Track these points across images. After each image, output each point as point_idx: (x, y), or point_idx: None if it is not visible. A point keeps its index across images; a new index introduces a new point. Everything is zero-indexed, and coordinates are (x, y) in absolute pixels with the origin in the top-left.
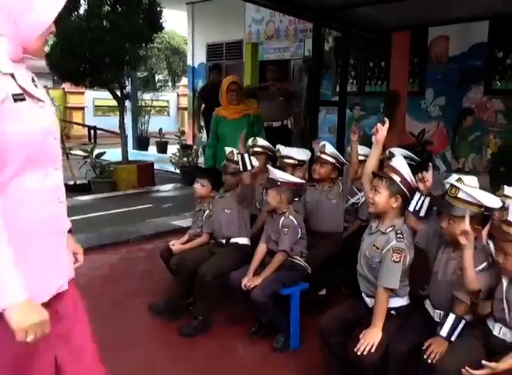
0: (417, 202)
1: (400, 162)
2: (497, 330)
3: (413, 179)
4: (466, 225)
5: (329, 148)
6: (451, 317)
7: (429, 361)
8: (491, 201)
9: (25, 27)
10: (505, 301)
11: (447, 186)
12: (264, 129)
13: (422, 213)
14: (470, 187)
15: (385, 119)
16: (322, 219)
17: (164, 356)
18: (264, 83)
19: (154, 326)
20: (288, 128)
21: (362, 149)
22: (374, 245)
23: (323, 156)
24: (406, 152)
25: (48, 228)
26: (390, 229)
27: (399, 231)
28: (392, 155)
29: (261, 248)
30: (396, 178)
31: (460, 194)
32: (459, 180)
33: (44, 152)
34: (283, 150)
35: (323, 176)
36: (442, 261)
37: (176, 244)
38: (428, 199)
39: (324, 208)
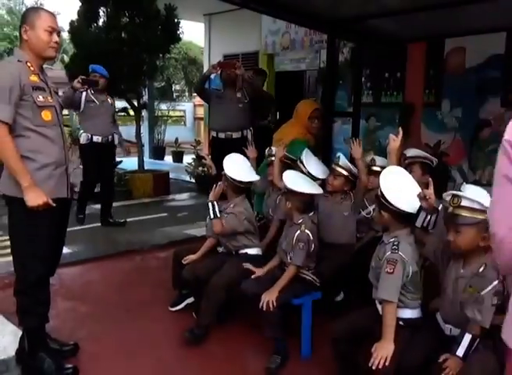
0: (424, 220)
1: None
2: None
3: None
4: None
5: (343, 161)
6: (467, 337)
7: None
8: None
9: None
10: None
11: (448, 198)
12: (223, 140)
13: (430, 227)
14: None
15: (400, 129)
16: (334, 231)
17: (175, 363)
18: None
19: (166, 334)
20: (248, 139)
21: (380, 160)
22: (377, 255)
23: (337, 168)
24: (421, 152)
25: None
26: (392, 240)
27: (396, 242)
28: (404, 156)
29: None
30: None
31: (464, 202)
32: (461, 188)
33: None
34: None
35: (336, 189)
36: (451, 278)
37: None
38: (434, 215)
39: (336, 220)
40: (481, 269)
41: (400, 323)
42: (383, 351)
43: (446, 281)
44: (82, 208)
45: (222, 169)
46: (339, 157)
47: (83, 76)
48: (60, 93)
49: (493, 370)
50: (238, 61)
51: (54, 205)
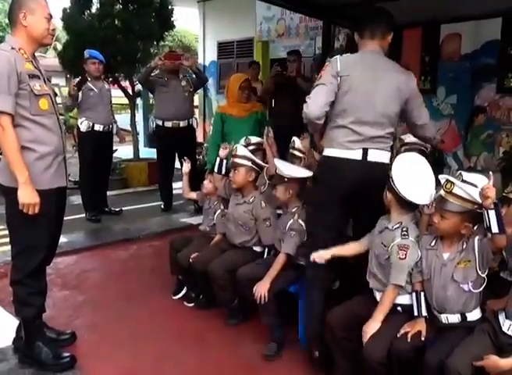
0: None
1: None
2: (506, 326)
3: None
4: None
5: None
6: (490, 213)
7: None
8: None
9: None
10: None
11: (443, 181)
12: (170, 129)
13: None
14: (467, 184)
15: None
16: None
17: (173, 352)
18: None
19: (164, 322)
20: (194, 128)
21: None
22: (382, 243)
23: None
24: (416, 139)
25: None
26: (397, 226)
27: (404, 228)
28: (402, 142)
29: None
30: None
31: (455, 190)
32: (459, 175)
33: None
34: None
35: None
36: (436, 266)
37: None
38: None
39: None
40: (464, 246)
41: (398, 308)
42: (371, 330)
43: (427, 271)
44: (94, 207)
45: (165, 158)
46: (294, 141)
47: (74, 83)
48: (56, 90)
49: (487, 354)
50: (183, 54)
51: (37, 212)
